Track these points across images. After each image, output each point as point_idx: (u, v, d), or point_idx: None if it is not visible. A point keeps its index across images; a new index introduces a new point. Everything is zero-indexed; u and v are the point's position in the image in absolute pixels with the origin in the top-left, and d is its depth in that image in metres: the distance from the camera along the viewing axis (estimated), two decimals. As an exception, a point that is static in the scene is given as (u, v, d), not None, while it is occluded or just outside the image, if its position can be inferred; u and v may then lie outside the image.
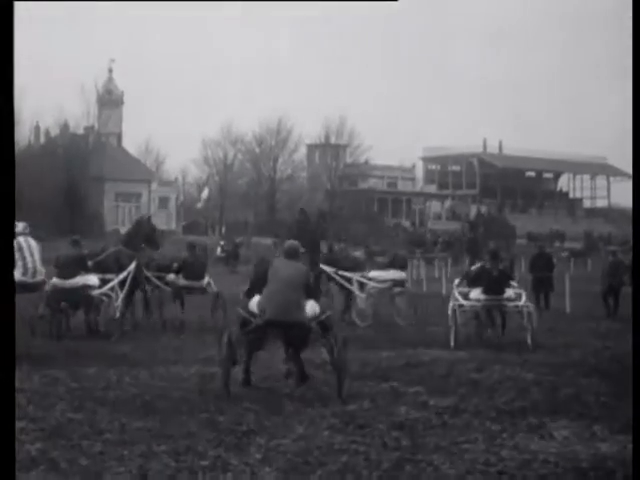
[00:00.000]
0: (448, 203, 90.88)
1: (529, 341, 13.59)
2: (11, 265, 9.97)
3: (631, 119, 6.85)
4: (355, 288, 17.67)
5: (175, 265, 16.96)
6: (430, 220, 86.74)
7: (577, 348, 13.82)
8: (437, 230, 73.61)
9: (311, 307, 9.76)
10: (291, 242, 10.29)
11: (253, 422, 7.99)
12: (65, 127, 71.76)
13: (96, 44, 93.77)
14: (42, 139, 72.59)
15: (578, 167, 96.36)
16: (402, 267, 18.32)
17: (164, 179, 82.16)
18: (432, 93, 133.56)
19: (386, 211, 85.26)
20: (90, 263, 15.02)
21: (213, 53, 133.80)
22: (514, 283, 15.08)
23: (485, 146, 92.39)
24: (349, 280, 17.72)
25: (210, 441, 7.25)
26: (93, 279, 14.69)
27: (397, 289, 17.79)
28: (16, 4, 5.72)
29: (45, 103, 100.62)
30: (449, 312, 14.37)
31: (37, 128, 71.99)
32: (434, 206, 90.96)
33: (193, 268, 16.83)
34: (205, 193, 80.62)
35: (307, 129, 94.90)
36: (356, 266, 18.09)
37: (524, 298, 14.35)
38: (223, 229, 74.55)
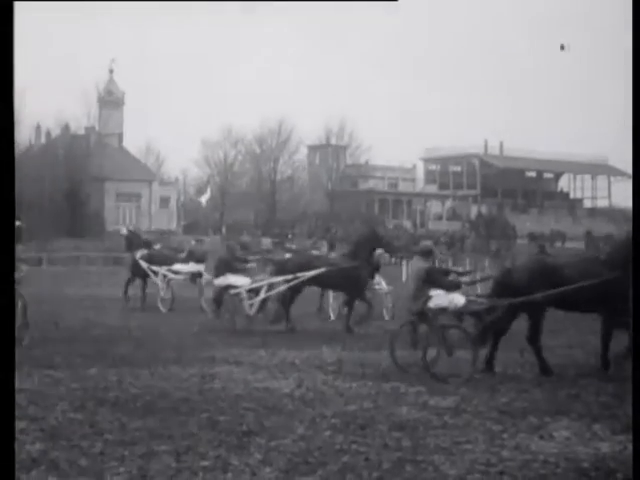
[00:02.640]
0: (449, 203, 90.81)
1: (386, 316, 18.39)
2: (11, 266, 9.95)
3: (631, 119, 6.85)
4: (159, 280, 20.95)
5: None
6: (431, 220, 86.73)
7: (578, 348, 13.82)
8: (438, 230, 73.57)
9: (449, 299, 10.99)
10: (423, 243, 12.22)
11: (253, 422, 7.99)
12: (66, 128, 71.78)
13: (97, 45, 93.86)
14: (43, 140, 72.62)
15: (579, 167, 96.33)
16: (199, 261, 21.15)
17: (165, 179, 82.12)
18: (432, 93, 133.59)
19: (387, 212, 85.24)
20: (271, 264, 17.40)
21: (214, 53, 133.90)
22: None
23: (486, 146, 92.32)
24: (156, 273, 21.02)
25: (210, 441, 7.25)
26: (240, 280, 16.19)
27: (205, 280, 20.29)
28: (16, 4, 5.72)
29: (46, 104, 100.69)
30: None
31: (38, 129, 72.03)
32: (435, 206, 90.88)
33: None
34: (207, 195, 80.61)
35: (308, 130, 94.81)
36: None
37: (384, 283, 18.93)
38: (223, 229, 74.55)
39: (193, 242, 23.75)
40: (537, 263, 11.46)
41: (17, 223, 14.96)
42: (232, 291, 16.05)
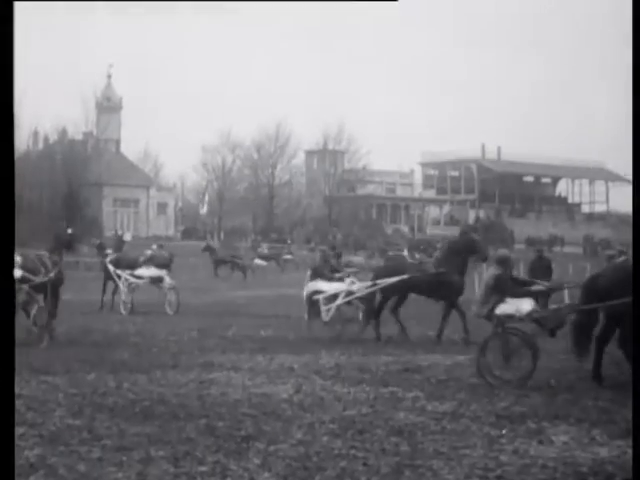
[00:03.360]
0: (446, 208, 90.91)
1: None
2: (11, 270, 9.96)
3: (630, 123, 6.86)
4: (121, 283, 21.50)
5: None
6: (429, 225, 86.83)
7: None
8: (436, 235, 73.58)
9: (515, 306, 10.98)
10: (501, 251, 12.07)
11: (252, 427, 7.98)
12: (64, 133, 71.84)
13: (95, 50, 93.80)
14: (41, 145, 72.63)
15: (576, 172, 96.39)
16: (161, 266, 21.69)
17: (163, 185, 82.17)
18: (430, 98, 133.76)
19: (385, 216, 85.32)
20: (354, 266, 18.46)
21: (212, 59, 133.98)
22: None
23: (483, 151, 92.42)
24: (119, 277, 21.61)
25: (209, 446, 7.24)
26: (327, 286, 16.19)
27: (167, 284, 21.36)
28: (16, 8, 5.72)
29: (44, 109, 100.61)
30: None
31: (36, 133, 72.07)
32: (432, 211, 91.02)
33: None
34: (205, 207, 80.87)
35: (305, 135, 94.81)
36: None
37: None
38: (221, 234, 74.56)
39: (154, 247, 24.18)
40: (622, 269, 11.33)
41: (69, 231, 15.50)
42: (315, 297, 16.12)
